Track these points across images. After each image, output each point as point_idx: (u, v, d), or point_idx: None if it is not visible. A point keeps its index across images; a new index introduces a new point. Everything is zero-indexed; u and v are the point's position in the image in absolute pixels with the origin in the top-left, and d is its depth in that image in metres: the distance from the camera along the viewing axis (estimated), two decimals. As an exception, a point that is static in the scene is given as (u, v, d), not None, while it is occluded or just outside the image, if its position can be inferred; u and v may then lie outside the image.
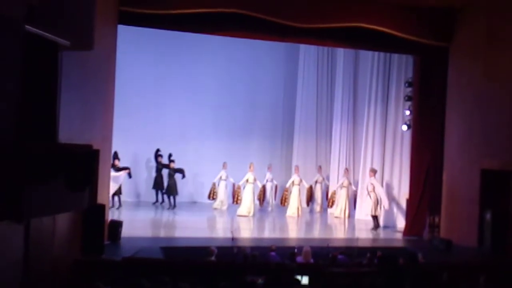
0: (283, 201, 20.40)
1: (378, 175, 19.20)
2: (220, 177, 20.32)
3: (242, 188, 19.77)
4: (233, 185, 20.33)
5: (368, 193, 18.01)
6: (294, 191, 19.99)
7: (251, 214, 19.23)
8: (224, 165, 20.46)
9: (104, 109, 13.15)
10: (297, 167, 20.77)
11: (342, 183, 19.96)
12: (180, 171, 19.96)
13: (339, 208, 19.81)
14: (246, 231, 17.17)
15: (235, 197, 19.84)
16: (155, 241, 14.15)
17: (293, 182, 20.20)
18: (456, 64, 15.89)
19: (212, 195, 20.33)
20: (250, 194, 19.52)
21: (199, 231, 16.09)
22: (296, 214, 19.60)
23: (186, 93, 21.74)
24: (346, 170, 20.17)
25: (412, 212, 16.55)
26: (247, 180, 19.75)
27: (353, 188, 19.93)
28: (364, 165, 19.79)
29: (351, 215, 19.77)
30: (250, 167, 20.02)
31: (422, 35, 15.70)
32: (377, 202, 17.69)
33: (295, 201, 19.83)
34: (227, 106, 22.34)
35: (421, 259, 12.19)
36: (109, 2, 13.01)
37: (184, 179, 20.86)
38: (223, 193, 20.37)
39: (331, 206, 20.20)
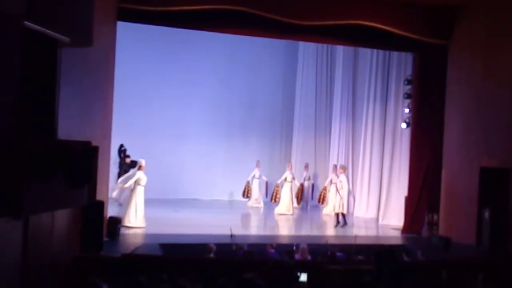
0: (321, 200, 20.36)
1: (377, 172, 19.27)
2: (254, 175, 20.62)
3: (280, 186, 19.95)
4: (266, 183, 20.79)
5: (338, 190, 17.93)
6: (332, 190, 19.90)
7: (290, 212, 19.44)
8: (257, 164, 20.91)
9: (103, 105, 13.15)
10: (335, 166, 20.42)
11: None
12: (135, 165, 19.67)
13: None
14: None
15: (274, 196, 20.08)
16: (154, 238, 14.16)
17: (331, 180, 20.10)
18: (456, 61, 15.89)
19: (247, 193, 20.73)
20: (288, 193, 19.71)
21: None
22: (333, 213, 19.61)
23: (185, 90, 21.74)
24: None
25: (411, 209, 16.56)
26: (285, 179, 19.93)
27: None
28: (363, 163, 19.84)
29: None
30: (288, 166, 20.28)
31: (422, 33, 15.70)
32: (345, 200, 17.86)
33: (332, 199, 19.83)
34: (226, 104, 22.38)
35: (420, 257, 12.22)
36: (109, -1, 13.02)
37: (185, 176, 20.88)
38: (257, 191, 20.81)
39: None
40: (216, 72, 22.17)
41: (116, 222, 13.64)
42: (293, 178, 20.09)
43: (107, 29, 13.10)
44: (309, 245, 12.42)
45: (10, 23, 6.34)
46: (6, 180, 6.10)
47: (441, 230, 15.85)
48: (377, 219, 18.82)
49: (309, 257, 11.75)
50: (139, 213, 15.24)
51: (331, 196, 19.80)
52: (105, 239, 12.55)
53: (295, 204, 20.37)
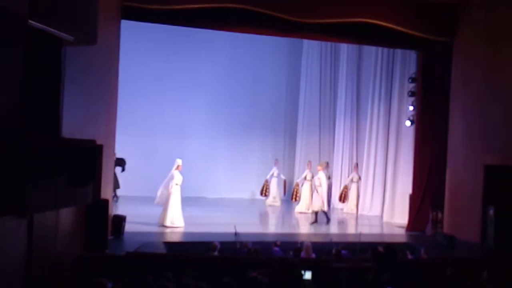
0: (342, 198, 20.36)
1: (382, 170, 19.24)
2: (272, 174, 20.78)
3: (300, 185, 20.02)
4: (284, 181, 21.16)
5: (316, 188, 17.79)
6: (353, 189, 20.10)
7: (310, 210, 19.41)
8: (276, 162, 21.19)
9: (107, 104, 13.16)
10: (356, 165, 20.59)
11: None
12: (120, 163, 19.41)
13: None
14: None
15: (294, 194, 20.18)
16: (158, 236, 14.17)
17: (352, 179, 20.25)
18: (460, 59, 15.85)
19: (265, 192, 20.99)
20: (308, 191, 19.74)
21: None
22: (354, 211, 19.82)
23: (189, 89, 21.77)
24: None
25: (415, 207, 16.54)
26: (305, 177, 19.99)
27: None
28: (368, 161, 19.82)
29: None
30: (308, 165, 20.30)
31: (426, 31, 15.67)
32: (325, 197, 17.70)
33: (354, 198, 19.98)
34: (230, 103, 22.39)
35: (423, 255, 12.22)
36: (112, -3, 13.02)
37: (188, 175, 20.87)
38: (275, 190, 21.04)
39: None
40: (219, 70, 22.18)
41: (120, 220, 13.65)
42: (313, 177, 20.10)
43: (111, 27, 13.10)
44: (313, 243, 12.42)
45: (14, 22, 6.35)
46: (10, 179, 6.12)
47: (446, 228, 15.82)
48: (382, 217, 18.81)
49: (313, 255, 11.75)
50: (178, 212, 15.48)
51: (352, 194, 20.00)
52: (109, 237, 12.57)
53: None
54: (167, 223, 15.23)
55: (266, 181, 20.90)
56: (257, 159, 22.23)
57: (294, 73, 23.37)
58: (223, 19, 14.81)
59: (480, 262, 11.05)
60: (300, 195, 19.94)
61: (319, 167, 18.06)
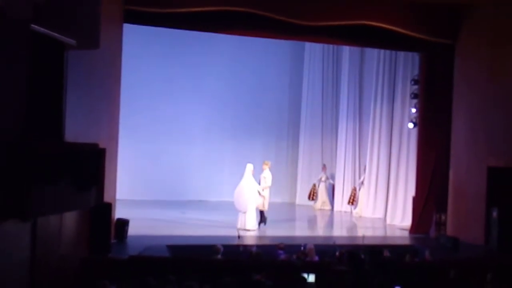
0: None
1: (385, 172, 19.21)
2: (320, 179, 21.07)
3: (358, 189, 20.17)
4: (333, 186, 21.35)
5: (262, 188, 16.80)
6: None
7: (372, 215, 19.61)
8: (324, 168, 21.42)
9: (110, 107, 13.17)
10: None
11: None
12: None
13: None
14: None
15: (351, 199, 20.31)
16: (161, 239, 14.16)
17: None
18: (462, 61, 15.84)
19: (312, 196, 21.27)
20: (365, 196, 19.90)
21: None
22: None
23: (192, 92, 21.77)
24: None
25: (418, 210, 16.51)
26: (362, 182, 20.07)
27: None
28: (370, 163, 19.78)
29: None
30: (365, 169, 20.26)
31: (428, 33, 15.65)
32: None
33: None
34: (232, 105, 22.38)
35: (428, 257, 12.20)
36: (114, 1, 13.03)
37: (191, 178, 20.88)
38: (324, 194, 21.31)
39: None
40: (222, 74, 22.18)
41: (124, 224, 13.64)
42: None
43: (114, 31, 13.12)
44: (316, 245, 12.40)
45: (18, 26, 6.36)
46: (14, 183, 6.13)
47: (449, 230, 15.79)
48: (385, 219, 18.78)
49: (316, 257, 11.73)
50: (254, 216, 15.84)
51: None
52: (113, 241, 12.57)
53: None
54: (249, 227, 15.49)
55: (314, 185, 21.19)
56: (260, 162, 22.14)
57: (297, 76, 23.35)
58: (226, 22, 14.81)
59: (484, 264, 11.03)
60: (357, 199, 20.01)
61: (264, 166, 17.14)
